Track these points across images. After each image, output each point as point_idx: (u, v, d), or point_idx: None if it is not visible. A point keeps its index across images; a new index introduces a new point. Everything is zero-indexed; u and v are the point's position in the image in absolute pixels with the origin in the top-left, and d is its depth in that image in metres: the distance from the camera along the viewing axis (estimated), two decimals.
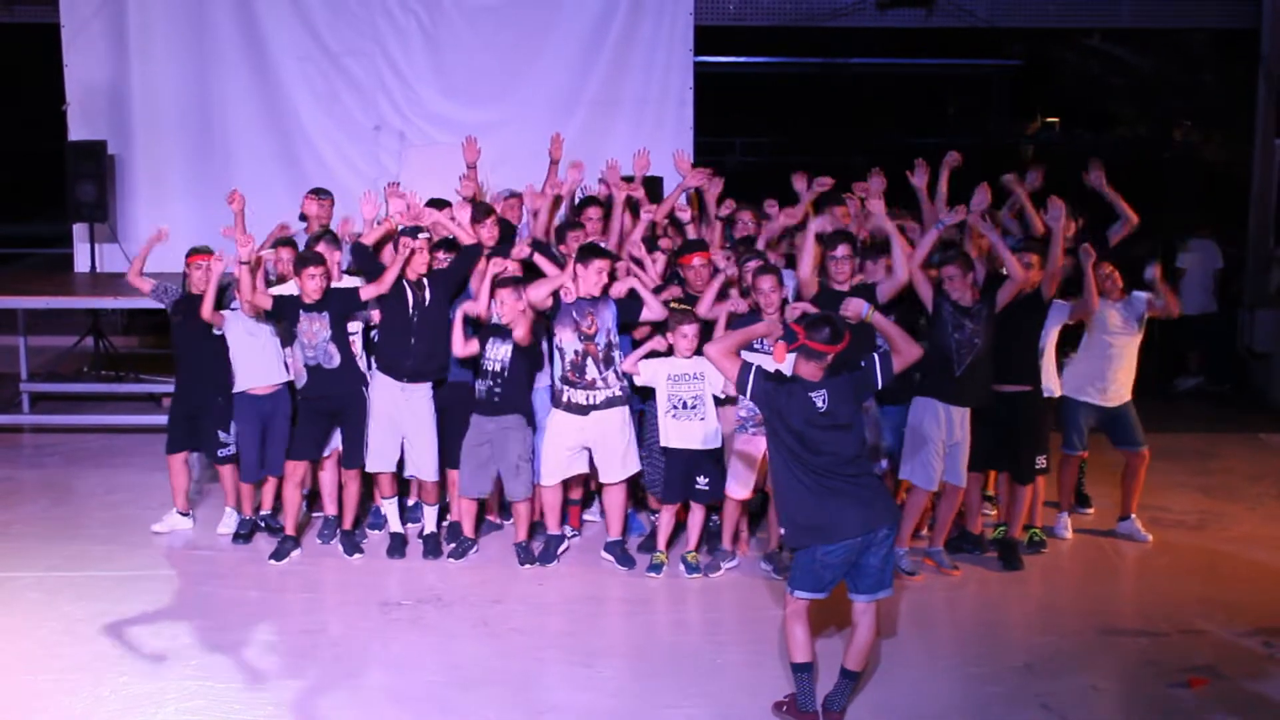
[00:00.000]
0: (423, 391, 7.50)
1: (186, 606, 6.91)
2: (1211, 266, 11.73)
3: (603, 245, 7.61)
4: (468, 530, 7.60)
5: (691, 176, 8.29)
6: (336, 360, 7.38)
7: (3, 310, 10.77)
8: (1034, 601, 7.18)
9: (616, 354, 7.32)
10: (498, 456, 7.39)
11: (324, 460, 7.68)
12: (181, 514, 7.99)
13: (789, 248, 7.95)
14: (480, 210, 7.87)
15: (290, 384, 7.70)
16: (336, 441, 7.65)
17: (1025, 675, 6.16)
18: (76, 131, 11.31)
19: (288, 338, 7.54)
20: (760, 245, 7.83)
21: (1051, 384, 7.74)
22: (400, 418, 7.47)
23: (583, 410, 7.28)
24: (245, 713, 5.75)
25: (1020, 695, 5.95)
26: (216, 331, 7.65)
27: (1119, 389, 7.89)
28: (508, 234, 8.09)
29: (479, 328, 7.42)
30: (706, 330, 7.10)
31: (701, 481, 7.25)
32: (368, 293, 7.39)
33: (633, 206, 8.21)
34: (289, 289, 7.45)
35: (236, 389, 7.66)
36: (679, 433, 7.19)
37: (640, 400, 7.52)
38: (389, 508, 7.69)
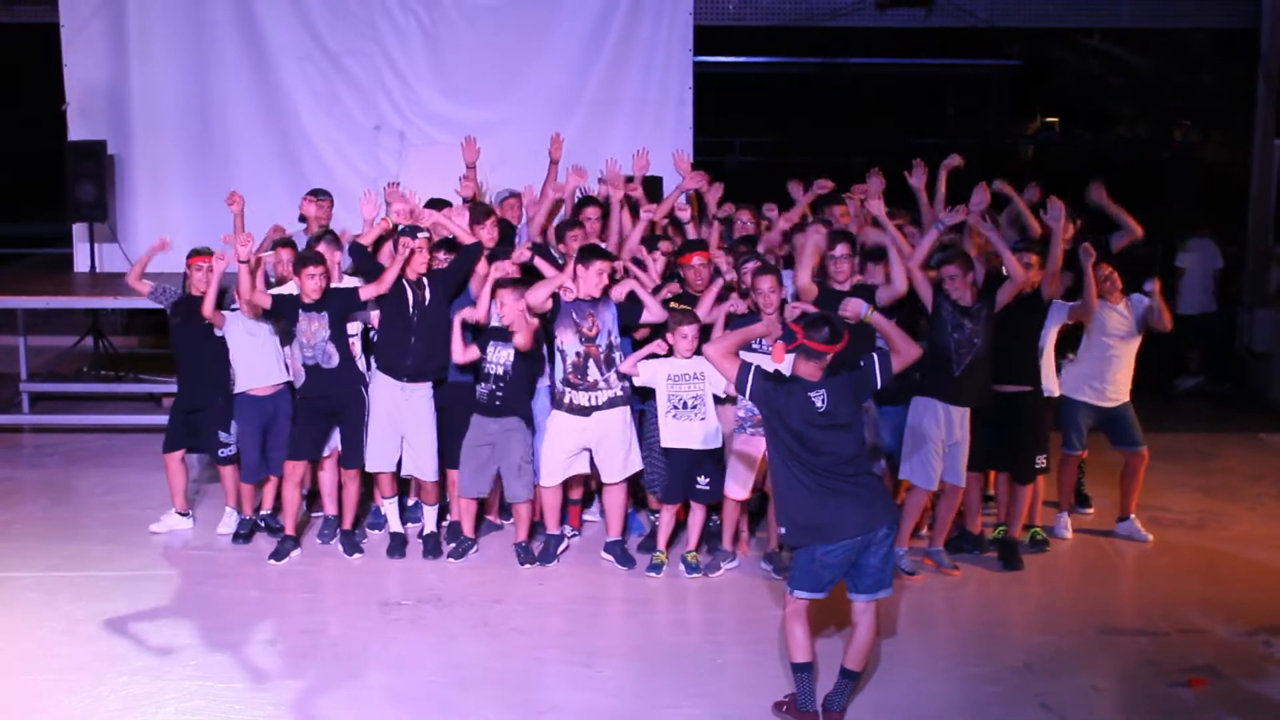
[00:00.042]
0: (423, 391, 7.50)
1: (186, 606, 6.91)
2: (1211, 266, 11.73)
3: (603, 246, 7.61)
4: (467, 530, 7.60)
5: (690, 179, 8.29)
6: (335, 360, 7.38)
7: (3, 310, 10.76)
8: (1034, 601, 7.19)
9: (618, 355, 7.32)
10: (500, 458, 7.39)
11: (323, 460, 7.68)
12: (180, 514, 7.99)
13: (788, 249, 7.94)
14: (480, 211, 7.87)
15: (291, 384, 7.70)
16: (336, 441, 7.65)
17: (1025, 675, 6.16)
18: (76, 131, 11.31)
19: (286, 337, 7.54)
20: (760, 250, 7.83)
21: (1050, 384, 7.75)
22: (400, 417, 7.48)
23: (584, 411, 7.28)
24: (245, 713, 5.75)
25: (1020, 695, 5.96)
26: (218, 332, 7.65)
27: (1118, 389, 7.90)
28: (507, 234, 8.10)
29: (478, 333, 7.43)
30: (706, 332, 7.10)
31: (702, 481, 7.26)
32: (367, 293, 7.39)
33: (632, 206, 8.21)
34: (288, 289, 7.45)
35: (237, 389, 7.66)
36: (679, 433, 7.19)
37: (640, 401, 7.52)
38: (389, 507, 7.69)
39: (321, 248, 7.55)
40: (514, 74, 11.31)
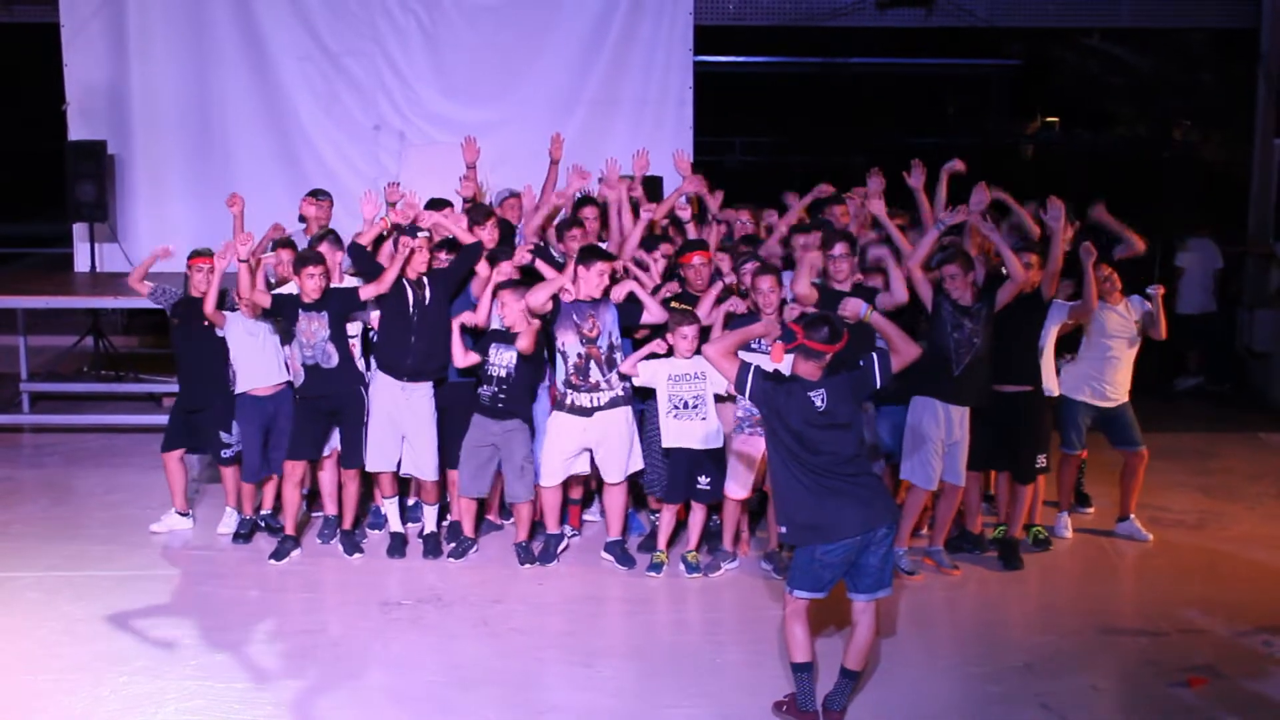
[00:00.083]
0: (423, 391, 7.50)
1: (186, 606, 6.92)
2: (1211, 266, 11.73)
3: (603, 247, 7.61)
4: (468, 530, 7.60)
5: (689, 182, 8.26)
6: (335, 360, 7.38)
7: (3, 310, 10.77)
8: (1034, 601, 7.19)
9: (619, 355, 7.32)
10: (503, 458, 7.40)
11: (323, 460, 7.68)
12: (180, 514, 7.99)
13: (787, 250, 7.93)
14: (480, 213, 7.87)
15: (291, 383, 7.70)
16: (336, 441, 7.65)
17: (1025, 675, 6.16)
18: (76, 131, 11.32)
19: (286, 337, 7.54)
20: (762, 253, 7.82)
21: (1050, 384, 7.74)
22: (401, 417, 7.48)
23: (586, 412, 7.28)
24: (245, 713, 5.75)
25: (1020, 695, 5.96)
26: (219, 332, 7.65)
27: (1117, 390, 7.91)
28: (507, 234, 8.09)
29: (479, 336, 7.43)
30: (706, 333, 7.10)
31: (703, 481, 7.25)
32: (367, 292, 7.39)
33: (632, 206, 8.20)
34: (288, 289, 7.45)
35: (239, 390, 7.66)
36: (681, 433, 7.19)
37: (640, 401, 7.52)
38: (390, 507, 7.69)
39: (323, 248, 7.56)
40: (514, 74, 11.31)
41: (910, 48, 15.98)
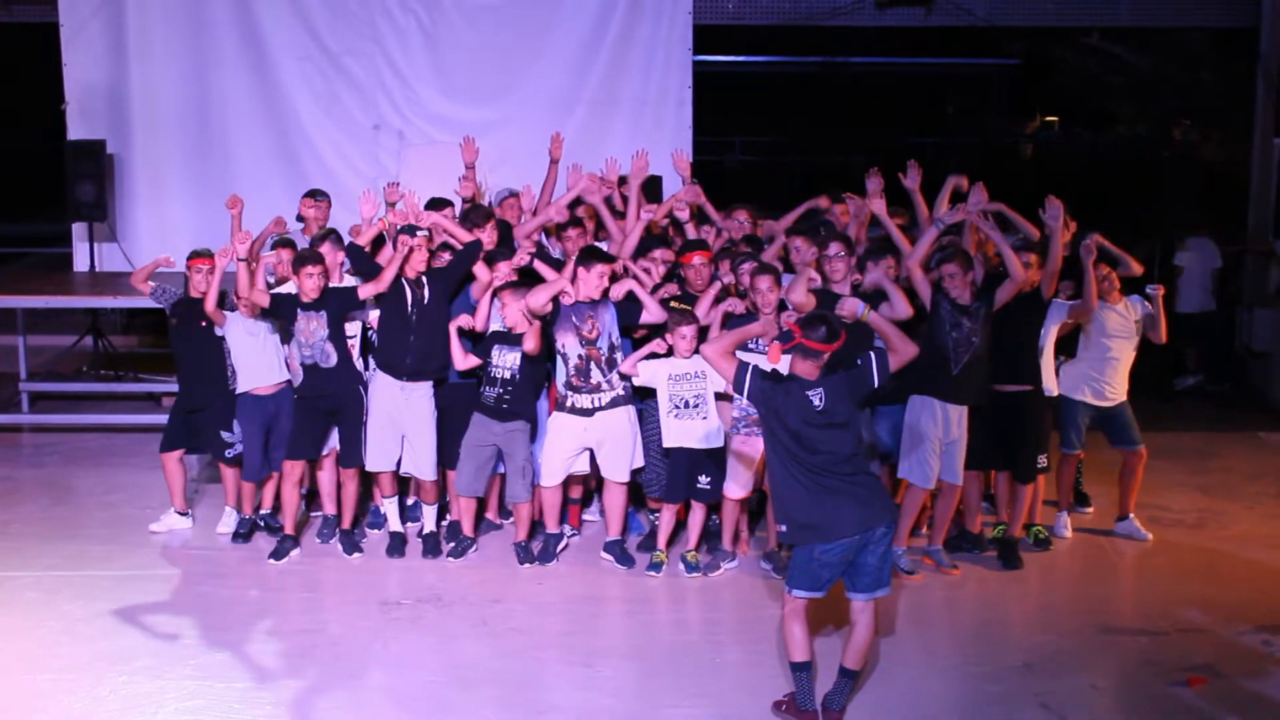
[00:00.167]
0: (423, 390, 7.50)
1: (186, 606, 6.92)
2: (1210, 265, 11.72)
3: (602, 248, 7.61)
4: (467, 529, 7.60)
5: (686, 191, 8.22)
6: (333, 359, 7.38)
7: (2, 310, 10.77)
8: (1033, 601, 7.19)
9: (619, 356, 7.32)
10: (504, 459, 7.40)
11: (322, 459, 7.68)
12: (180, 514, 7.99)
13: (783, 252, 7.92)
14: (479, 214, 7.86)
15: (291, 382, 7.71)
16: (335, 441, 7.65)
17: (1024, 674, 6.16)
18: (75, 131, 11.31)
19: (285, 336, 7.54)
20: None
21: (1050, 383, 7.74)
22: (400, 417, 7.48)
23: (587, 413, 7.28)
24: (245, 712, 5.75)
25: (1019, 694, 5.96)
26: (218, 332, 7.65)
27: (1116, 389, 7.91)
28: (506, 235, 8.08)
29: (478, 338, 7.43)
30: (705, 333, 7.10)
31: (703, 481, 7.25)
32: (366, 291, 7.39)
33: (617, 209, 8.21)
34: (287, 288, 7.45)
35: (240, 390, 7.67)
36: (681, 432, 7.19)
37: (639, 400, 7.52)
38: (389, 507, 7.70)
39: (324, 248, 7.55)
40: (514, 74, 11.31)
41: (910, 47, 15.98)
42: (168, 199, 11.36)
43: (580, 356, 7.25)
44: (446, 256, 7.57)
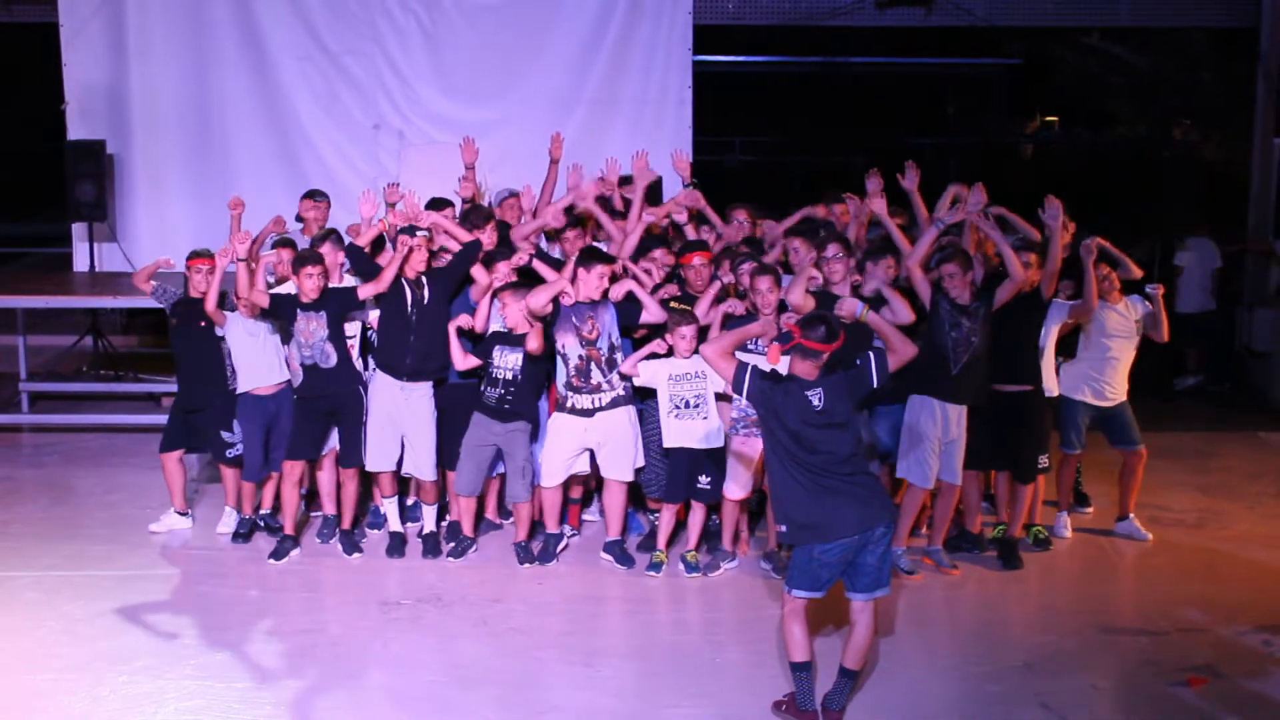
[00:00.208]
0: (423, 390, 7.49)
1: (186, 606, 6.92)
2: (1210, 265, 11.73)
3: (602, 248, 7.61)
4: (467, 529, 7.60)
5: (685, 195, 8.20)
6: (333, 360, 7.37)
7: (2, 310, 10.77)
8: (1033, 601, 7.19)
9: (619, 356, 7.32)
10: (505, 459, 7.40)
11: (321, 459, 7.68)
12: (180, 514, 7.99)
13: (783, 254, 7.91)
14: (479, 216, 7.85)
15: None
16: (334, 441, 7.65)
17: (1025, 674, 6.16)
18: (75, 131, 11.31)
19: (285, 337, 7.54)
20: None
21: (1050, 383, 7.74)
22: (400, 417, 7.47)
23: (587, 413, 7.28)
24: (245, 712, 5.75)
25: (1020, 694, 5.96)
26: (219, 331, 7.66)
27: (1115, 389, 7.91)
28: (506, 235, 8.08)
29: (479, 339, 7.43)
30: (705, 333, 7.10)
31: (704, 480, 7.25)
32: (365, 292, 7.39)
33: (614, 211, 8.20)
34: (287, 288, 7.45)
35: (240, 390, 7.67)
36: (682, 432, 7.19)
37: (639, 400, 7.51)
38: (389, 507, 7.69)
39: (325, 248, 7.55)
40: (514, 74, 11.31)
41: (910, 47, 15.95)
42: (168, 199, 11.36)
43: (580, 357, 7.25)
44: (448, 257, 7.56)
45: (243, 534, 7.79)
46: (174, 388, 8.19)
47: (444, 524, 7.79)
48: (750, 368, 5.68)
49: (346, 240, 7.69)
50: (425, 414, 7.50)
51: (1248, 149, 12.49)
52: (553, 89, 11.29)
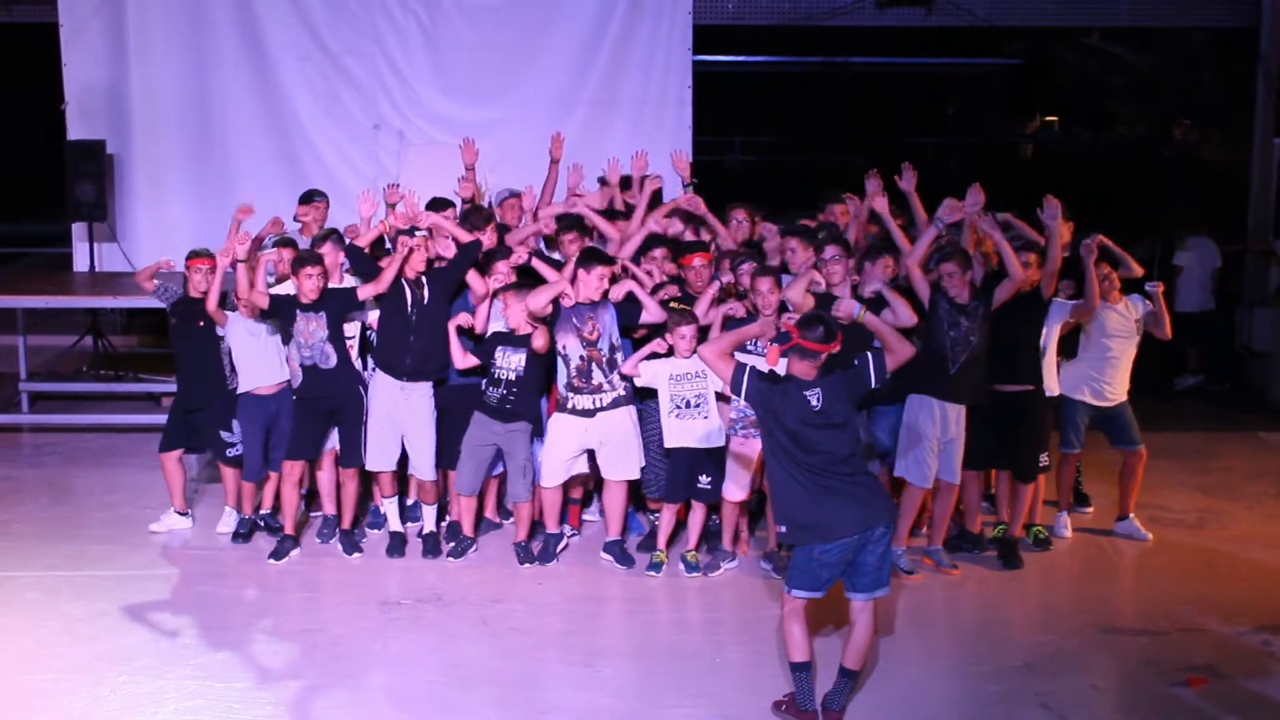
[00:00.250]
0: (422, 390, 7.49)
1: (186, 606, 6.92)
2: (1209, 265, 11.72)
3: (603, 249, 7.61)
4: (467, 529, 7.60)
5: (685, 199, 8.19)
6: (333, 360, 7.37)
7: (2, 310, 10.77)
8: (1033, 601, 7.19)
9: (619, 356, 7.32)
10: (505, 458, 7.40)
11: (321, 459, 7.68)
12: (180, 513, 7.99)
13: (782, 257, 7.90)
14: (479, 217, 7.85)
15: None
16: (334, 440, 7.65)
17: (1025, 674, 6.16)
18: (75, 131, 11.31)
19: (285, 337, 7.54)
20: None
21: (1051, 383, 7.74)
22: (400, 417, 7.48)
23: (588, 414, 7.28)
24: (245, 712, 5.75)
25: (1020, 694, 5.96)
26: (219, 331, 7.66)
27: (1115, 389, 7.91)
28: (505, 236, 8.08)
29: (478, 339, 7.43)
30: (705, 333, 7.10)
31: (704, 480, 7.25)
32: (365, 292, 7.39)
33: (615, 213, 8.19)
34: (287, 288, 7.45)
35: (241, 389, 7.67)
36: (682, 432, 7.19)
37: (639, 400, 7.51)
38: (389, 507, 7.69)
39: (326, 248, 7.55)
40: (514, 74, 11.30)
41: (910, 47, 15.96)
42: (168, 199, 11.35)
43: (581, 358, 7.25)
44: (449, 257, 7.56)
45: (243, 534, 7.79)
46: (174, 388, 8.19)
47: (444, 524, 7.79)
48: (749, 368, 5.68)
49: (347, 241, 7.70)
50: (425, 414, 7.50)
51: (1248, 149, 12.48)
52: (553, 89, 11.29)
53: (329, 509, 7.77)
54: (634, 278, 7.45)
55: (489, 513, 7.97)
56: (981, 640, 6.58)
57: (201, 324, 7.64)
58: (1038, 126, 19.82)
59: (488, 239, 7.70)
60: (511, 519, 7.69)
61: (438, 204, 8.03)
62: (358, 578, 7.34)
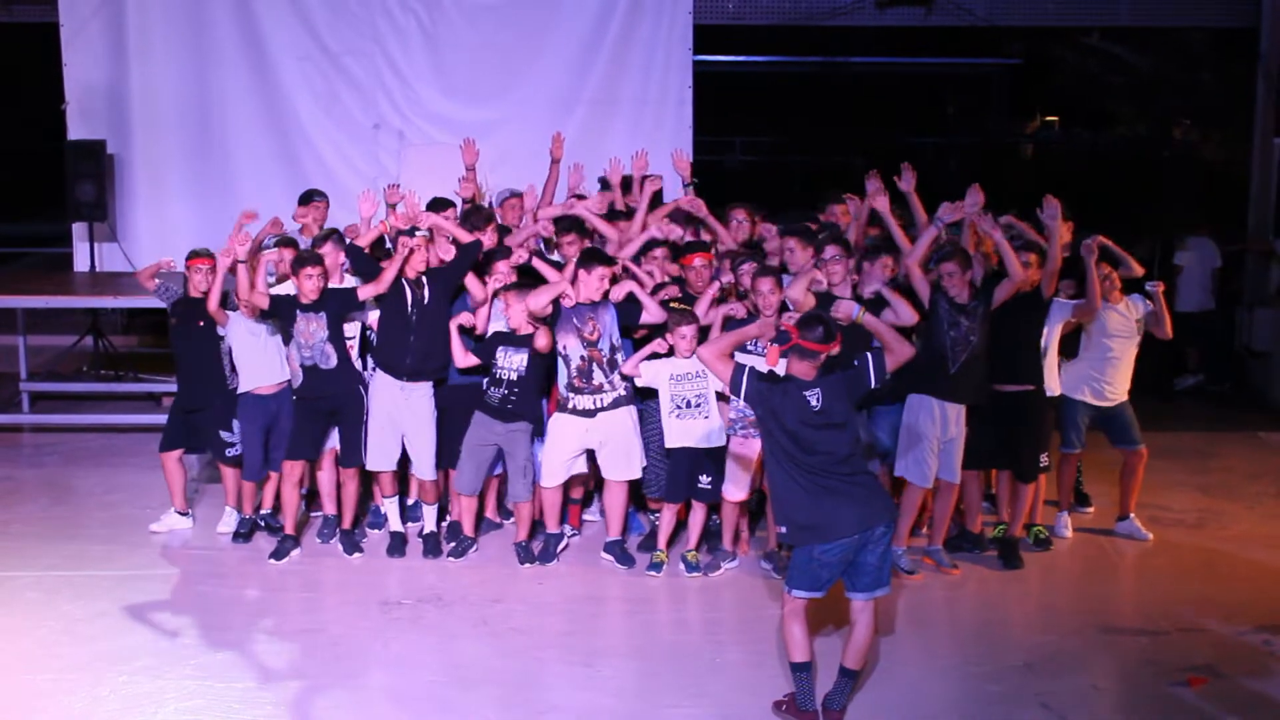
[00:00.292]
0: (423, 390, 7.49)
1: (186, 606, 6.91)
2: (1209, 265, 11.73)
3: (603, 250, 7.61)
4: (467, 529, 7.60)
5: (686, 201, 8.18)
6: (333, 360, 7.37)
7: (2, 310, 10.77)
8: (1034, 601, 7.19)
9: (620, 356, 7.32)
10: (505, 458, 7.41)
11: (321, 459, 7.68)
12: (180, 513, 7.99)
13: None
14: (480, 217, 7.85)
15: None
16: (334, 440, 7.65)
17: (1025, 674, 6.16)
18: (76, 131, 11.32)
19: (285, 337, 7.54)
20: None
21: (1052, 383, 7.74)
22: (400, 416, 7.48)
23: (589, 414, 7.28)
24: (245, 712, 5.75)
25: (1020, 695, 5.96)
26: (220, 331, 7.66)
27: (1116, 390, 7.91)
28: (506, 235, 8.07)
29: (479, 338, 7.43)
30: (705, 333, 7.10)
31: (704, 480, 7.25)
32: (365, 293, 7.39)
33: (616, 214, 8.19)
34: (287, 289, 7.45)
35: (242, 389, 7.67)
36: (683, 432, 7.19)
37: (640, 400, 7.51)
38: (390, 507, 7.69)
39: (327, 248, 7.55)
40: (514, 74, 11.31)
41: (910, 47, 15.97)
42: (168, 199, 11.36)
43: (582, 358, 7.25)
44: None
45: (243, 534, 7.79)
46: (174, 388, 8.19)
47: (444, 524, 7.79)
48: (748, 369, 5.68)
49: (347, 241, 7.70)
50: (425, 414, 7.50)
51: (1248, 149, 12.49)
52: (553, 89, 11.30)
53: (329, 509, 7.77)
54: (634, 278, 7.45)
55: (489, 513, 7.97)
56: (981, 640, 6.58)
57: (201, 324, 7.64)
58: (1038, 126, 19.82)
59: (488, 239, 7.70)
60: (512, 519, 7.69)
61: (438, 204, 8.03)
62: (358, 578, 7.34)
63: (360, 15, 11.30)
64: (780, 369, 5.81)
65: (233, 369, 7.76)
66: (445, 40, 11.36)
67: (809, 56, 16.34)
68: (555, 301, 7.26)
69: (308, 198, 8.52)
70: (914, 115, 18.16)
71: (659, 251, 7.75)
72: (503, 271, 7.51)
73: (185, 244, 8.03)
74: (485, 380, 7.42)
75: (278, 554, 7.50)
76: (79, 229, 11.42)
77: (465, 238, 7.56)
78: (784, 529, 5.69)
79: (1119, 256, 7.89)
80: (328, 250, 7.53)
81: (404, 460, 7.64)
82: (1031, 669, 6.21)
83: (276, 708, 5.79)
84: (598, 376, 7.26)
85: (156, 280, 7.81)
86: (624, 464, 7.37)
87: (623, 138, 10.71)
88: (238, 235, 7.47)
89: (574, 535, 7.83)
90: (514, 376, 7.29)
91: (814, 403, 5.51)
